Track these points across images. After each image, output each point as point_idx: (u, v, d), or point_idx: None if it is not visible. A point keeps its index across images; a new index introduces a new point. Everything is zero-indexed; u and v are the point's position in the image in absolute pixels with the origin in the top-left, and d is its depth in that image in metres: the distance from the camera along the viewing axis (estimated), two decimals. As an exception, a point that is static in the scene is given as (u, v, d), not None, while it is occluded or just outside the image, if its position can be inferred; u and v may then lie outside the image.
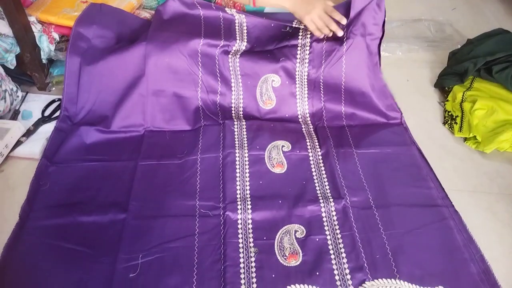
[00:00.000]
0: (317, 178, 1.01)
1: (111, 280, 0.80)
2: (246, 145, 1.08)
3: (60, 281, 0.80)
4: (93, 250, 0.85)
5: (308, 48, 1.14)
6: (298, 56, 1.14)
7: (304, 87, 1.16)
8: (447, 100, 1.28)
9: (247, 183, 0.99)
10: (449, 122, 1.21)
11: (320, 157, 1.06)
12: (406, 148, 1.10)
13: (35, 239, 0.87)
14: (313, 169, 1.04)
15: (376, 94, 1.16)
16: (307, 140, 1.11)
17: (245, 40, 1.16)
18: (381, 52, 1.19)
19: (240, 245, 0.88)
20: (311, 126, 1.15)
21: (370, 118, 1.16)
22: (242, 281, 0.81)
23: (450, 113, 1.23)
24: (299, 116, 1.17)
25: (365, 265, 0.84)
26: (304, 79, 1.15)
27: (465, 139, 1.17)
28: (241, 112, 1.16)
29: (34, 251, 0.85)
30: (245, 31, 1.18)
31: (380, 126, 1.16)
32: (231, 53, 1.14)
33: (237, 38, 1.16)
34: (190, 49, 1.11)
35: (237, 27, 1.17)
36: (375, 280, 0.82)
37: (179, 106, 1.14)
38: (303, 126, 1.14)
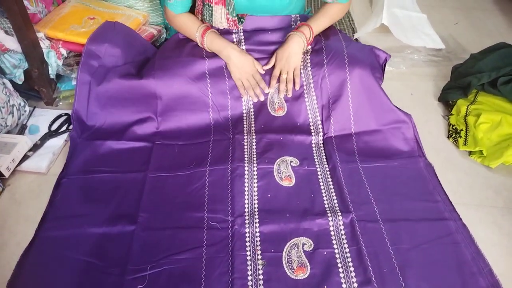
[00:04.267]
0: (325, 192, 1.04)
1: None
2: (255, 159, 1.10)
3: (70, 292, 0.83)
4: (103, 261, 0.88)
5: (308, 55, 1.21)
6: (301, 60, 1.20)
7: (311, 92, 1.20)
8: (451, 114, 1.31)
9: (255, 197, 1.02)
10: (454, 135, 1.24)
11: (328, 172, 1.09)
12: (413, 161, 1.13)
13: (46, 249, 0.90)
14: (321, 183, 1.06)
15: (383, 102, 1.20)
16: (315, 155, 1.14)
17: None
18: (385, 67, 1.25)
19: (248, 257, 0.89)
20: (321, 136, 1.17)
21: (378, 121, 1.19)
22: (250, 294, 0.83)
23: (454, 127, 1.26)
24: (311, 123, 1.20)
25: (373, 279, 0.85)
26: (310, 83, 1.20)
27: (470, 153, 1.20)
28: (252, 123, 1.20)
29: (45, 261, 0.88)
30: (243, 43, 1.24)
31: (388, 133, 1.18)
32: None
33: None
34: (197, 72, 1.17)
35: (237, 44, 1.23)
36: (383, 293, 0.84)
37: (190, 125, 1.20)
38: (313, 137, 1.17)
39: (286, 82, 1.19)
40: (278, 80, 1.20)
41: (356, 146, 1.16)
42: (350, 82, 1.16)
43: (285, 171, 1.08)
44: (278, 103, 1.21)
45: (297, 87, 1.20)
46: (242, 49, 1.22)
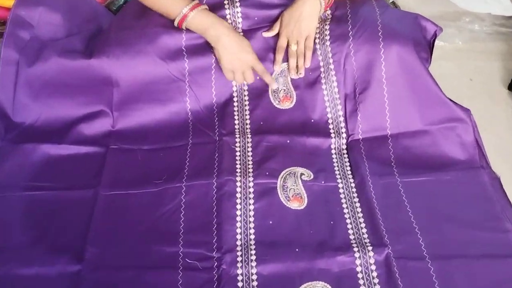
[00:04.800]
0: (350, 217, 1.04)
1: None
2: (251, 170, 1.10)
3: None
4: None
5: (327, 24, 1.21)
6: (316, 31, 1.21)
7: (331, 75, 1.21)
8: (527, 108, 1.31)
9: (252, 225, 1.01)
10: (531, 138, 1.24)
11: (354, 189, 1.09)
12: (473, 174, 1.13)
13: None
14: (344, 205, 1.06)
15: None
16: (336, 166, 1.14)
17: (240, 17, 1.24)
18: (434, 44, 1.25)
19: (242, 310, 0.89)
20: (345, 139, 1.18)
21: (424, 119, 1.20)
22: None
23: (531, 126, 1.26)
24: (329, 120, 1.21)
25: None
26: (329, 63, 1.21)
27: (554, 163, 1.19)
28: (247, 119, 1.21)
29: None
30: (237, 4, 1.24)
31: (438, 135, 1.19)
32: None
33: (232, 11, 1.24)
34: (171, 48, 1.18)
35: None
36: None
37: (159, 122, 1.21)
38: (333, 140, 1.17)
39: (297, 57, 1.19)
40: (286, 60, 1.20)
41: (394, 153, 1.16)
42: (386, 63, 1.16)
43: (293, 188, 1.08)
44: (284, 90, 1.22)
45: (307, 64, 1.20)
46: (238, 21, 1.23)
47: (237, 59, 1.16)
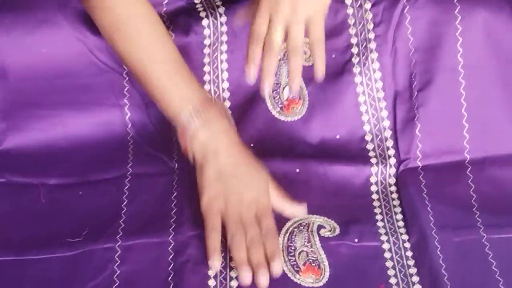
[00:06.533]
0: None
1: None
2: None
3: None
4: None
5: None
6: None
7: (371, 60, 1.13)
8: None
9: None
10: None
11: (409, 253, 0.98)
12: None
13: None
14: (393, 280, 0.95)
15: None
16: (378, 213, 1.04)
17: None
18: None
19: None
20: (394, 166, 1.07)
21: None
22: None
23: None
24: (367, 136, 1.13)
25: None
26: (368, 39, 1.14)
27: None
28: None
29: None
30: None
31: None
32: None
33: None
34: None
35: None
36: None
37: (76, 138, 1.15)
38: (374, 169, 1.08)
39: (287, 55, 1.07)
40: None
41: (477, 190, 1.08)
42: (464, 41, 1.10)
43: (306, 250, 0.96)
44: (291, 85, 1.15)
45: (320, 72, 1.05)
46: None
47: (234, 207, 0.99)
